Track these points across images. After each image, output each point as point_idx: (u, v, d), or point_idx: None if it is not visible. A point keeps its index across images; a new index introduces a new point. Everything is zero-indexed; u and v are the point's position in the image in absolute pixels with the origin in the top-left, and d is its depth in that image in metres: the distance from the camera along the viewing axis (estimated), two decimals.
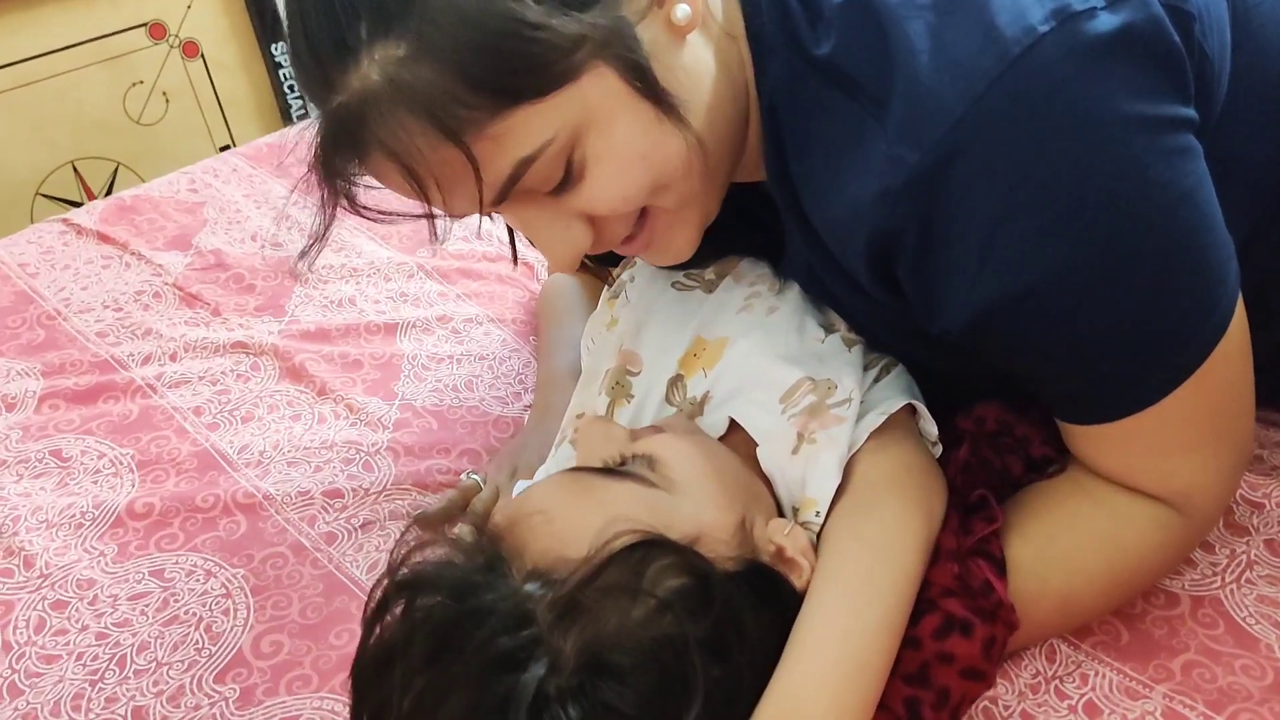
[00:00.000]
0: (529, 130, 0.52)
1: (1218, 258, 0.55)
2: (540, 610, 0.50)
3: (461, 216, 0.58)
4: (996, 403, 0.71)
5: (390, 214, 0.58)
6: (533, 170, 0.54)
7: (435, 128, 0.51)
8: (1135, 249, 0.53)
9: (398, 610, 0.53)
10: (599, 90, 0.53)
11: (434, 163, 0.52)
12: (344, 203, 0.57)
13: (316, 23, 0.51)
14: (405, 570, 0.54)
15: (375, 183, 0.57)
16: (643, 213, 0.61)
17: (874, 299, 0.63)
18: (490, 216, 0.75)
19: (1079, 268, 0.53)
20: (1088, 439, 0.62)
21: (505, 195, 0.55)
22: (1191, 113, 0.54)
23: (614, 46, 0.53)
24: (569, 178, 0.56)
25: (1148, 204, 0.52)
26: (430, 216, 0.59)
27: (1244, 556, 0.69)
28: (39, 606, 0.75)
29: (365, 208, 0.57)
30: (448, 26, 0.49)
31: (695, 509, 0.58)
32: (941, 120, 0.51)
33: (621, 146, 0.55)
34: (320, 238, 0.59)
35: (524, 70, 0.51)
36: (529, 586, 0.51)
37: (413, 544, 0.56)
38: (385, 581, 0.54)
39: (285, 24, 0.54)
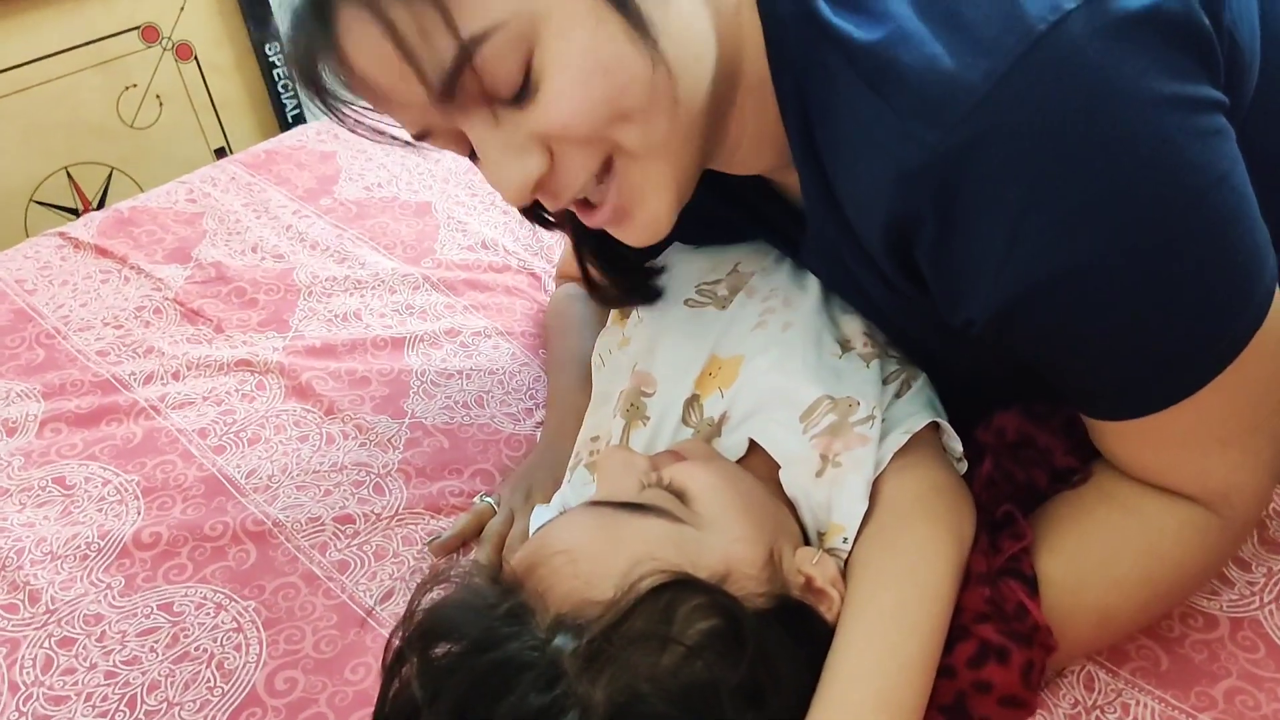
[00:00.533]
0: (480, 6, 0.50)
1: (1255, 242, 0.53)
2: (568, 660, 0.48)
3: (424, 132, 0.57)
4: (1016, 413, 0.69)
5: (368, 128, 0.59)
6: (484, 60, 0.51)
7: None
8: (1171, 233, 0.50)
9: (418, 657, 0.51)
10: None
11: (402, 18, 0.50)
12: (319, 102, 0.57)
13: None
14: (424, 613, 0.53)
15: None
16: (607, 166, 0.58)
17: (895, 286, 0.61)
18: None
19: (1112, 254, 0.50)
20: (1120, 437, 0.60)
21: (451, 86, 0.52)
22: (1222, 96, 0.52)
23: None
24: (526, 87, 0.53)
25: (1184, 186, 0.50)
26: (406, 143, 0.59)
27: None
28: (46, 644, 0.73)
29: (338, 106, 0.58)
30: None
31: (723, 544, 0.56)
32: (964, 99, 0.49)
33: (581, 53, 0.52)
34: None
35: None
36: (558, 640, 0.49)
37: (430, 587, 0.54)
38: (404, 628, 0.53)
39: None
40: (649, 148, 0.56)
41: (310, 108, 2.01)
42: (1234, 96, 0.54)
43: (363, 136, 0.62)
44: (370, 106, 0.58)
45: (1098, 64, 0.48)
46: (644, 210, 0.60)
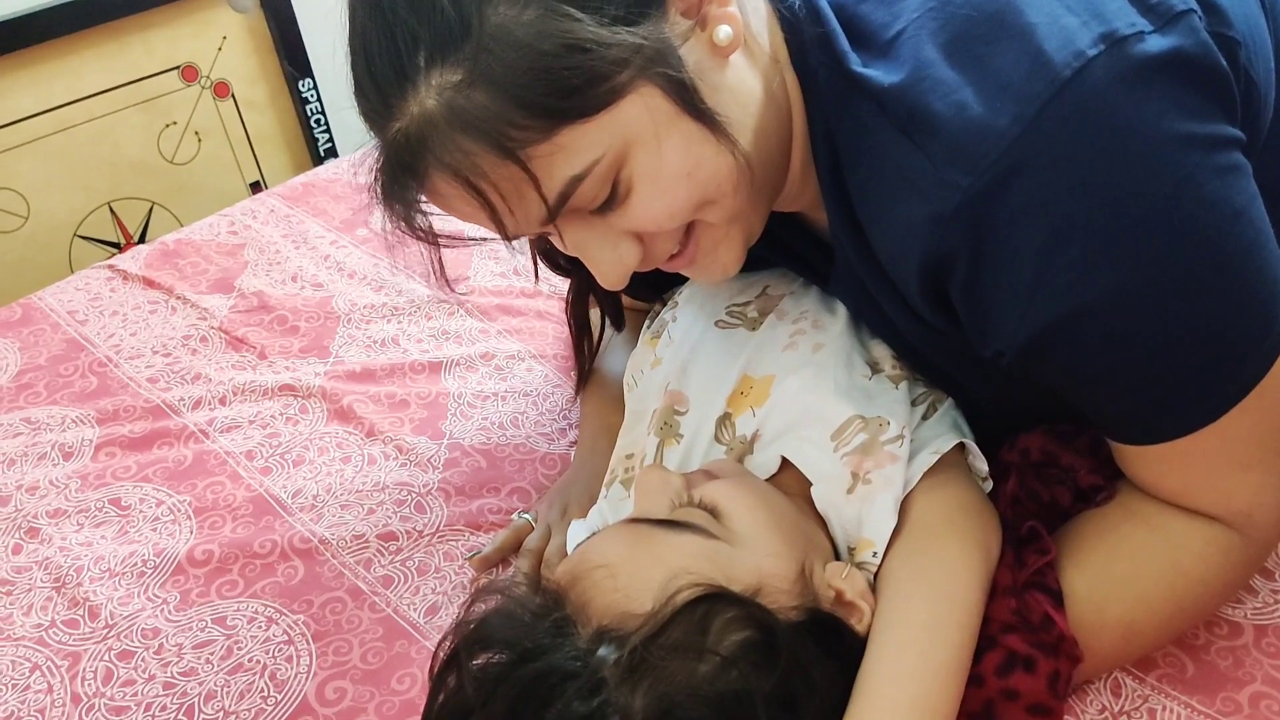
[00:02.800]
0: (578, 149, 0.54)
1: (1273, 273, 0.55)
2: (609, 670, 0.51)
3: (515, 237, 0.60)
4: (1040, 433, 0.71)
5: (449, 237, 0.61)
6: (583, 188, 0.55)
7: (492, 148, 0.53)
8: (1192, 266, 0.53)
9: (468, 666, 0.54)
10: (644, 109, 0.54)
11: (494, 180, 0.54)
12: (402, 225, 0.59)
13: (378, 50, 0.54)
14: (474, 623, 0.55)
15: (436, 209, 0.60)
16: (688, 227, 0.62)
17: (925, 320, 0.64)
18: (539, 249, 0.77)
19: (1136, 287, 0.53)
20: (1146, 461, 0.62)
21: (557, 213, 0.56)
22: (1240, 133, 0.55)
23: (658, 65, 0.54)
24: (615, 196, 0.57)
25: (1203, 221, 0.52)
26: (483, 240, 0.62)
27: None
28: (106, 657, 0.76)
29: (422, 230, 0.60)
30: (501, 52, 0.51)
31: (756, 559, 0.59)
32: (994, 144, 0.52)
33: (666, 165, 0.56)
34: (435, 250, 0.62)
35: (572, 92, 0.52)
36: (600, 651, 0.52)
37: (474, 601, 0.57)
38: (452, 636, 0.55)
39: (348, 55, 0.56)
40: (729, 220, 0.61)
41: (342, 143, 2.06)
42: (1251, 133, 0.56)
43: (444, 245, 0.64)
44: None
45: (1120, 107, 0.51)
46: (719, 261, 0.64)
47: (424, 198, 0.58)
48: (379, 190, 0.58)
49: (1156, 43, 0.51)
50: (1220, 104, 0.53)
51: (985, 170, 0.52)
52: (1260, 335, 0.56)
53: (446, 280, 0.65)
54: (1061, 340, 0.56)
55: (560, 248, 0.63)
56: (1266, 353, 0.56)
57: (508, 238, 0.59)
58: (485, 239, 0.61)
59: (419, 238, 0.60)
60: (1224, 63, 0.53)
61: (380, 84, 0.54)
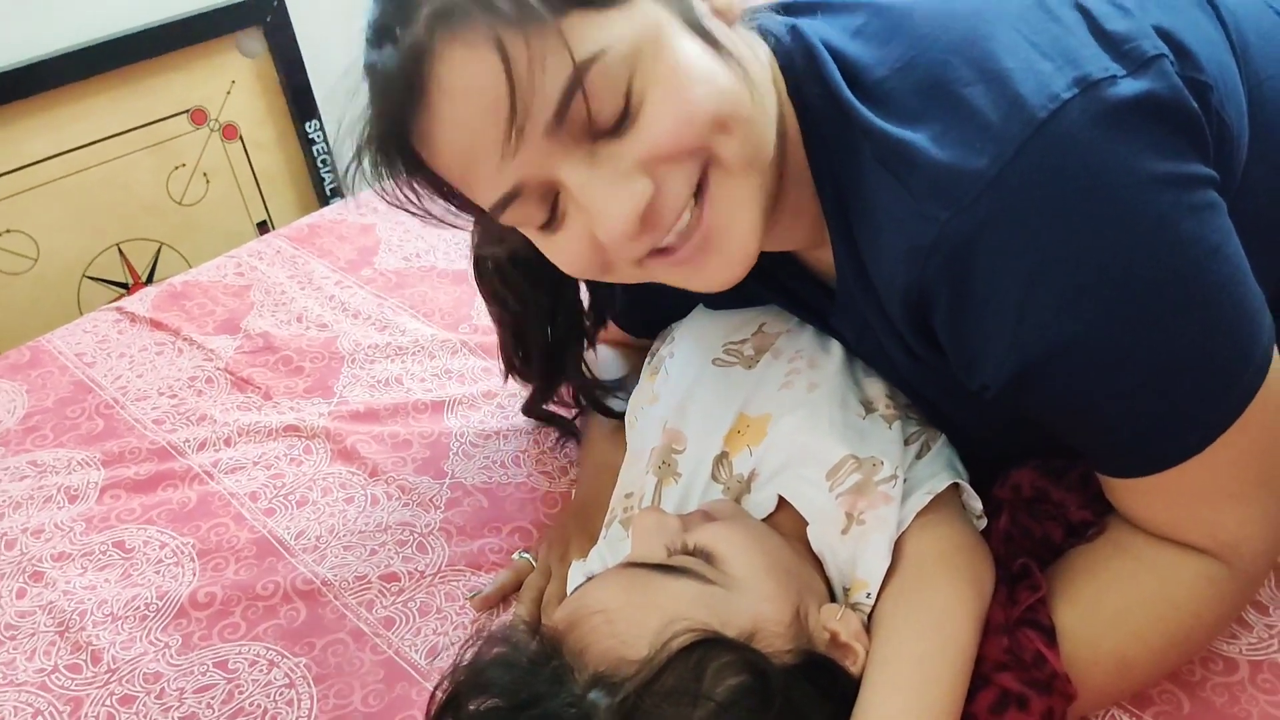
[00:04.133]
0: (583, 38, 0.52)
1: (1251, 307, 0.57)
2: (604, 716, 0.51)
3: (502, 179, 0.56)
4: (1031, 469, 0.71)
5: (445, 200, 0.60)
6: (591, 87, 0.53)
7: (514, 16, 0.51)
8: (1171, 302, 0.54)
9: (462, 712, 0.54)
10: (653, 16, 0.55)
11: (487, 70, 0.52)
12: (397, 176, 0.59)
13: None
14: (469, 669, 0.56)
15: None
16: (700, 188, 0.58)
17: (919, 357, 0.65)
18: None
19: (1115, 323, 0.54)
20: (1133, 493, 0.62)
21: (561, 117, 0.53)
22: (1213, 172, 0.56)
23: None
24: (628, 113, 0.54)
25: (1180, 258, 0.53)
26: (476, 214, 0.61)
27: None
28: (108, 702, 0.77)
29: (420, 183, 0.59)
30: None
31: (751, 604, 0.59)
32: (973, 182, 0.53)
33: (678, 67, 0.55)
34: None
35: None
36: (593, 695, 0.52)
37: (474, 644, 0.57)
38: (449, 682, 0.56)
39: None
40: (745, 160, 0.57)
41: (350, 185, 2.08)
42: (1224, 172, 0.58)
43: (431, 218, 0.63)
44: (446, 187, 0.59)
45: (1095, 148, 0.52)
46: (731, 237, 0.59)
47: (426, 127, 0.55)
48: (380, 115, 0.56)
49: (1129, 86, 0.53)
50: (1193, 144, 0.55)
51: (964, 208, 0.53)
52: (1240, 368, 0.56)
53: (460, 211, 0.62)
54: (1045, 376, 0.56)
55: (564, 254, 0.60)
56: (1247, 385, 0.57)
57: (481, 170, 0.56)
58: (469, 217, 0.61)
59: (414, 185, 0.59)
60: (1195, 105, 0.55)
61: None
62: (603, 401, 0.91)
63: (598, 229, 0.57)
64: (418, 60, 0.53)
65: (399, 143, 0.57)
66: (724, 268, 0.60)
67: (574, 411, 0.96)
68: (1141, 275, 0.53)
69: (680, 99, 0.54)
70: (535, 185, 0.56)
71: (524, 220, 0.60)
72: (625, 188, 0.55)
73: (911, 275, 0.57)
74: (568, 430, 0.98)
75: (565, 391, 0.94)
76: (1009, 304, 0.55)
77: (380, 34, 0.56)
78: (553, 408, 0.96)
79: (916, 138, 0.56)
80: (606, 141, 0.55)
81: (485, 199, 0.58)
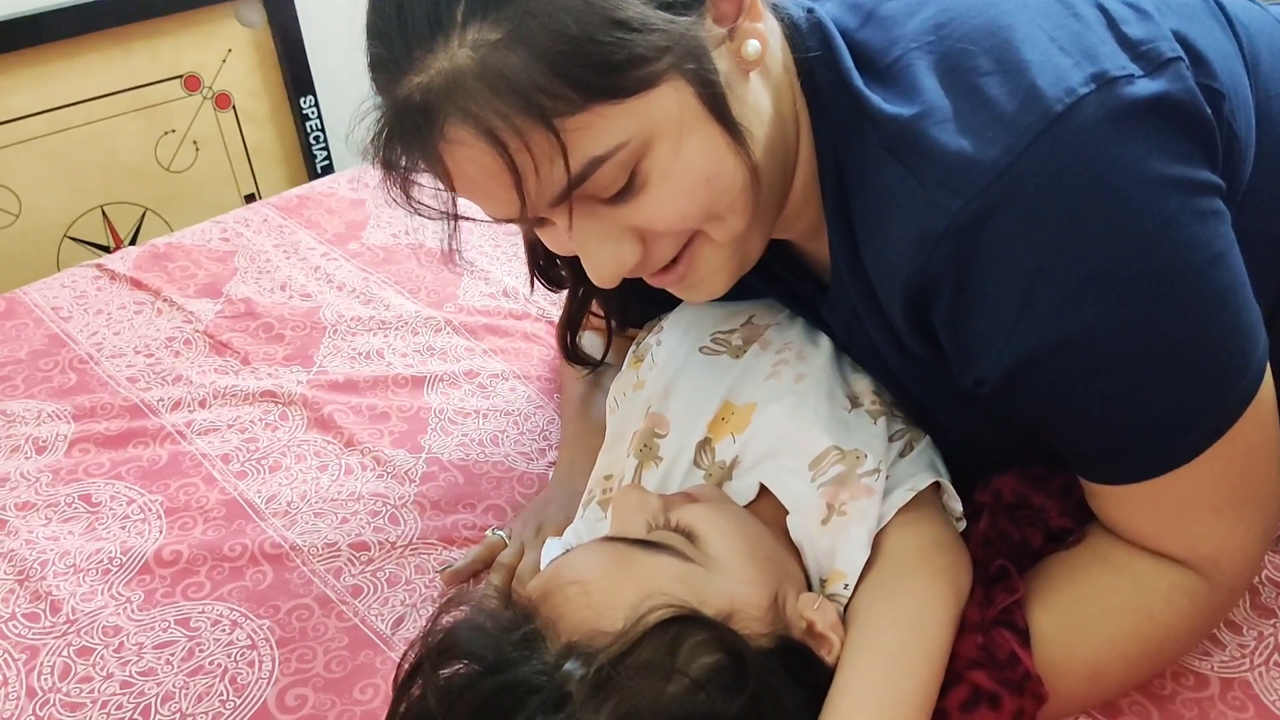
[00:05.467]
0: (605, 130, 0.53)
1: (1249, 319, 0.57)
2: (575, 687, 0.51)
3: (517, 218, 0.58)
4: (1013, 475, 0.71)
5: (440, 211, 0.59)
6: (600, 171, 0.54)
7: (523, 110, 0.51)
8: (1170, 305, 0.54)
9: (432, 675, 0.53)
10: (675, 102, 0.54)
11: (524, 141, 0.52)
12: (397, 192, 0.58)
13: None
14: (441, 632, 0.55)
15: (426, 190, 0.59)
16: (689, 239, 0.61)
17: (910, 352, 0.64)
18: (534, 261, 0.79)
19: (1115, 321, 0.54)
20: (1116, 501, 0.62)
21: (570, 193, 0.55)
22: (1220, 181, 0.56)
23: (694, 62, 0.54)
24: (630, 187, 0.56)
25: (1182, 262, 0.53)
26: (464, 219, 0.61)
27: (1271, 639, 0.70)
28: (64, 653, 0.75)
29: (419, 202, 0.59)
30: (545, 18, 0.51)
31: (730, 585, 0.59)
32: (985, 172, 0.53)
33: (689, 164, 0.56)
34: (453, 220, 0.60)
35: (611, 69, 0.52)
36: (567, 665, 0.51)
37: (443, 612, 0.56)
38: (419, 645, 0.55)
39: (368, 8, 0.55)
40: (730, 239, 0.61)
41: (340, 162, 2.07)
42: (1231, 182, 0.58)
43: (434, 218, 0.63)
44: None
45: (1108, 145, 0.52)
46: (709, 282, 0.64)
47: (424, 165, 0.56)
48: (381, 143, 0.56)
49: (1145, 86, 0.53)
50: (1203, 150, 0.55)
51: (975, 196, 0.53)
52: (1233, 380, 0.56)
53: (457, 222, 0.61)
54: (1040, 371, 0.56)
55: (554, 247, 0.62)
56: (1238, 399, 0.57)
57: (515, 215, 0.57)
58: (475, 218, 0.61)
59: (412, 207, 0.59)
60: (1208, 111, 0.55)
61: (409, 31, 0.52)
62: (580, 351, 0.89)
63: (586, 269, 0.61)
64: (435, 106, 0.53)
65: (404, 171, 0.57)
66: (708, 295, 0.65)
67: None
68: (1141, 276, 0.53)
69: (682, 198, 0.57)
70: (538, 220, 0.60)
71: (529, 232, 0.64)
72: (614, 247, 0.59)
73: (917, 264, 0.57)
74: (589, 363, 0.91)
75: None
76: (1011, 296, 0.55)
77: (389, 66, 0.54)
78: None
79: (929, 125, 0.55)
80: (606, 204, 0.57)
81: (490, 216, 0.60)
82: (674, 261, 0.62)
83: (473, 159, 0.54)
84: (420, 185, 0.59)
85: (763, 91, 0.60)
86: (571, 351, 0.88)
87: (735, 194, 0.58)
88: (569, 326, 0.87)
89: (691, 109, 0.55)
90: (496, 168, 0.53)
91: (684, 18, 0.54)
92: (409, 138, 0.55)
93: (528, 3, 0.51)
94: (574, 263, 0.75)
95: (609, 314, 0.86)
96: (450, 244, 0.62)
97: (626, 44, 0.52)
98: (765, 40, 0.58)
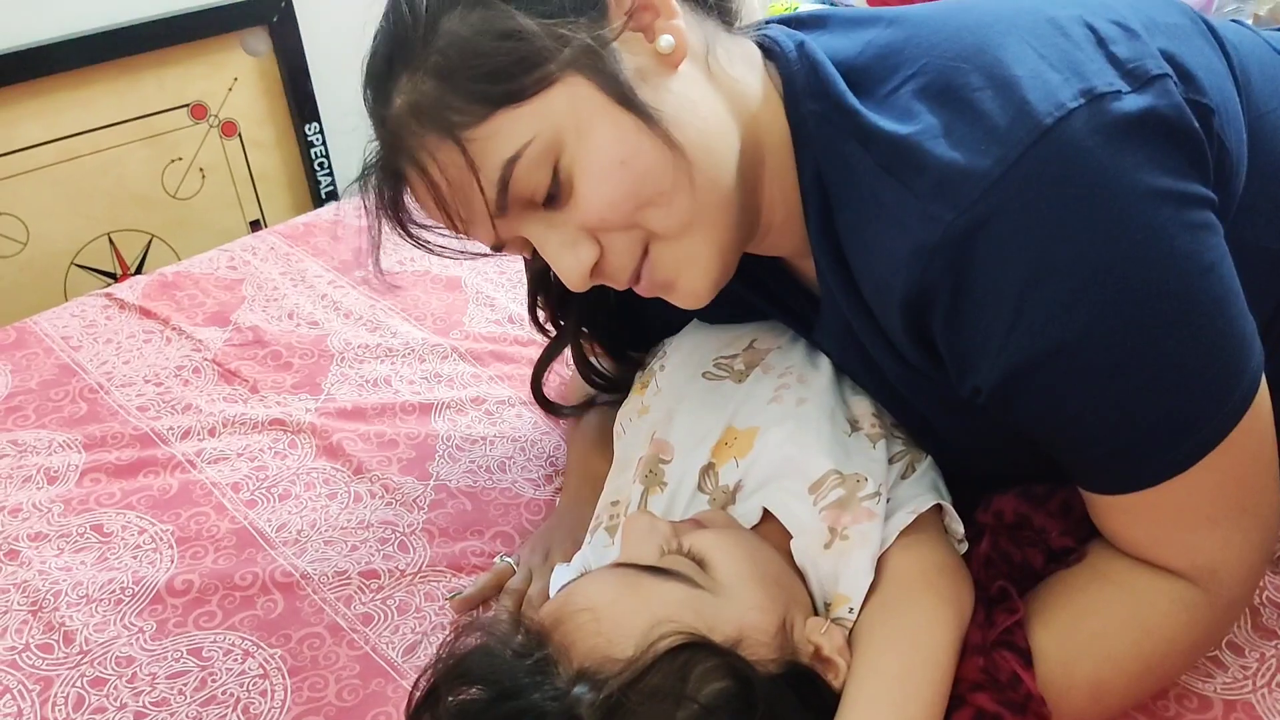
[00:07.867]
0: (511, 133, 0.58)
1: (1243, 330, 0.57)
2: (586, 712, 0.51)
3: (473, 234, 0.65)
4: (1013, 495, 0.72)
5: (430, 244, 0.67)
6: (520, 173, 0.59)
7: (437, 131, 0.59)
8: (1160, 315, 0.55)
9: (446, 700, 0.54)
10: (574, 97, 0.59)
11: (443, 166, 0.60)
12: (396, 226, 0.66)
13: (374, 58, 0.63)
14: (454, 658, 0.56)
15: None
16: (647, 250, 0.64)
17: (908, 363, 0.65)
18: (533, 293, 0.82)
19: (1107, 331, 0.55)
20: (1114, 511, 0.63)
21: (504, 201, 0.60)
22: (1211, 193, 0.57)
23: (589, 59, 0.59)
24: (559, 189, 0.60)
25: (1173, 272, 0.54)
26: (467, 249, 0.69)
27: (1274, 660, 0.70)
28: (78, 683, 0.76)
29: (409, 234, 0.67)
30: (449, 49, 0.59)
31: (739, 611, 0.59)
32: (978, 183, 0.54)
33: (599, 151, 0.59)
34: (375, 245, 0.68)
35: (503, 76, 0.58)
36: (577, 690, 0.52)
37: (458, 637, 0.57)
38: (431, 671, 0.56)
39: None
40: (676, 228, 0.63)
41: (344, 188, 2.08)
42: (1222, 195, 0.59)
43: (447, 256, 0.71)
44: (449, 231, 0.67)
45: (1097, 157, 0.54)
46: (684, 283, 0.66)
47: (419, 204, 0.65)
48: (375, 188, 0.65)
49: (1133, 101, 0.55)
50: (1193, 164, 0.56)
51: (968, 208, 0.55)
52: (1227, 390, 0.57)
53: (381, 256, 0.69)
54: (1035, 379, 0.57)
55: (526, 254, 0.67)
56: (1233, 409, 0.58)
57: (464, 230, 0.64)
58: (478, 254, 0.68)
59: (408, 238, 0.67)
60: (1197, 125, 0.56)
61: (374, 87, 0.63)
62: (595, 371, 0.91)
63: (558, 274, 0.65)
64: (394, 149, 0.62)
65: (398, 214, 0.66)
66: (689, 298, 0.67)
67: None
68: (1132, 286, 0.54)
69: (602, 185, 0.60)
70: (513, 239, 0.65)
71: (520, 254, 0.69)
72: (572, 250, 0.63)
73: (913, 276, 0.58)
74: (557, 413, 0.97)
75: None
76: (1006, 304, 0.56)
77: (370, 117, 0.64)
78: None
79: (922, 140, 0.57)
80: (551, 210, 0.62)
81: (483, 244, 0.67)
82: (640, 284, 0.66)
83: (422, 190, 0.62)
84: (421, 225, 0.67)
85: (704, 89, 0.63)
86: (539, 393, 0.93)
87: (659, 175, 0.60)
88: (542, 366, 0.92)
89: (593, 100, 0.59)
90: (436, 193, 0.61)
91: (575, 23, 0.59)
92: (388, 187, 0.64)
93: (436, 41, 0.59)
94: (569, 296, 0.79)
95: (598, 342, 0.90)
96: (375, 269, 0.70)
97: (516, 51, 0.58)
98: (681, 34, 0.61)
